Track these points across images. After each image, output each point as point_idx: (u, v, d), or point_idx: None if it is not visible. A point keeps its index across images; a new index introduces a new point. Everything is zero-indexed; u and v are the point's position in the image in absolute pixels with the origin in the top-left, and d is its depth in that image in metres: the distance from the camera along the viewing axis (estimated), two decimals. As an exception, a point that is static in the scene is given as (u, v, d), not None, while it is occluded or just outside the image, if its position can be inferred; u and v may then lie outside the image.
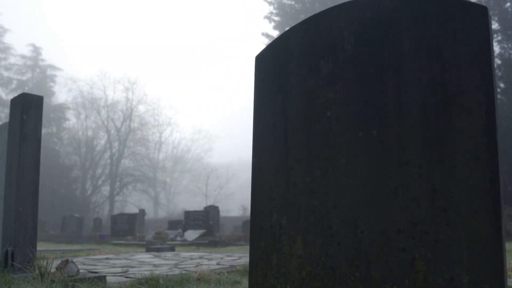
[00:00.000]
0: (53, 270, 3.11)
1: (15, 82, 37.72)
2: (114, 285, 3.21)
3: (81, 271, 3.36)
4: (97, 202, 36.68)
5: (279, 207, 1.83)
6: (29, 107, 3.75)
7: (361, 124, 1.64)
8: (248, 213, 31.64)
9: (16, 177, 3.60)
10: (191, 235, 13.77)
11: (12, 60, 38.26)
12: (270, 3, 26.01)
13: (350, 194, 1.63)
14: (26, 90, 32.75)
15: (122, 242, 12.87)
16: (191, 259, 5.94)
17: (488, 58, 1.43)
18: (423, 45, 1.55)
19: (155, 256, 6.50)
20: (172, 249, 8.38)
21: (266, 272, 1.85)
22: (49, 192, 26.95)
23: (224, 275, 3.57)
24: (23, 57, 38.30)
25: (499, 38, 19.02)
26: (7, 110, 34.96)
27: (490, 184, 1.37)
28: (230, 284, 3.19)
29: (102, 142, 38.99)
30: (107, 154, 38.53)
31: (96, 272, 3.98)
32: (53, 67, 39.16)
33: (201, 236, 13.69)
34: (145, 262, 5.42)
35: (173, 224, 17.49)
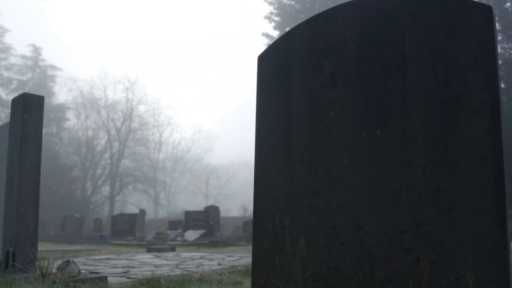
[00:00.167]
0: (54, 270, 3.10)
1: (15, 82, 37.72)
2: (116, 285, 3.20)
3: (82, 271, 3.35)
4: (97, 202, 36.67)
5: (282, 207, 1.83)
6: (30, 107, 3.74)
7: (365, 124, 1.64)
8: (249, 213, 31.64)
9: (17, 177, 3.59)
10: (192, 235, 13.76)
11: (13, 60, 38.28)
12: (270, 3, 26.01)
13: (354, 195, 1.63)
14: (26, 90, 32.74)
15: (123, 242, 12.86)
16: (192, 259, 5.93)
17: (493, 58, 1.43)
18: (427, 44, 1.54)
19: (156, 257, 6.49)
20: (172, 249, 8.38)
21: (269, 273, 1.84)
22: (49, 192, 26.95)
23: (225, 275, 3.56)
24: (23, 57, 38.32)
25: (499, 38, 19.03)
26: (7, 110, 34.96)
27: (494, 184, 1.36)
28: (231, 285, 3.18)
29: (102, 142, 39.00)
30: (107, 154, 38.53)
31: (97, 273, 3.97)
32: (53, 67, 39.17)
33: (202, 236, 13.68)
34: (146, 263, 5.42)
35: (173, 224, 17.48)
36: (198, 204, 36.41)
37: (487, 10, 1.46)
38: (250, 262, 5.07)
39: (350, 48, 1.71)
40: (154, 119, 42.94)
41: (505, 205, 1.34)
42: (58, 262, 3.30)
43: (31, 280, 2.85)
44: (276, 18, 25.89)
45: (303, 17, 23.97)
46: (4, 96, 37.08)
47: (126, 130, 39.57)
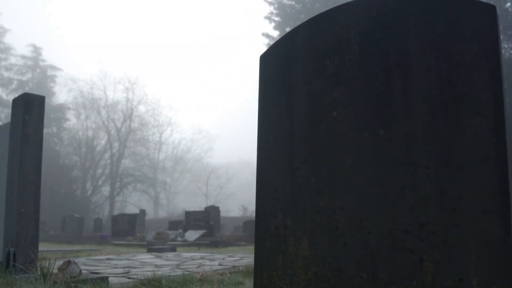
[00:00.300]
0: (55, 271, 3.09)
1: (15, 82, 37.72)
2: (117, 286, 3.20)
3: (83, 272, 3.35)
4: (97, 202, 36.66)
5: (285, 208, 1.82)
6: (31, 107, 3.74)
7: (368, 124, 1.63)
8: (249, 213, 31.64)
9: (18, 178, 3.58)
10: (192, 235, 13.76)
11: (13, 60, 38.28)
12: (270, 3, 26.00)
13: (357, 195, 1.62)
14: (27, 90, 32.73)
15: (123, 242, 12.86)
16: (193, 259, 5.93)
17: (497, 57, 1.42)
18: (430, 44, 1.53)
19: (157, 257, 6.49)
20: (173, 249, 8.37)
21: (272, 273, 1.83)
22: (49, 192, 26.95)
23: (226, 275, 3.56)
24: (23, 57, 38.31)
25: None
26: (7, 110, 34.96)
27: (499, 184, 1.36)
28: (233, 285, 3.18)
29: (103, 142, 38.98)
30: (107, 154, 38.52)
31: (98, 273, 3.97)
32: (53, 67, 39.16)
33: (202, 236, 13.68)
34: (146, 263, 5.41)
35: (173, 224, 17.48)
36: (198, 204, 36.42)
37: (491, 9, 1.46)
38: (251, 263, 5.07)
39: (353, 48, 1.71)
40: (154, 119, 42.95)
41: (509, 206, 1.34)
42: (59, 263, 3.30)
43: (32, 280, 2.85)
44: (276, 18, 25.87)
45: (303, 17, 23.97)
46: (4, 96, 37.08)
47: (126, 130, 39.56)
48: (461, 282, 1.38)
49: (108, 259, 6.09)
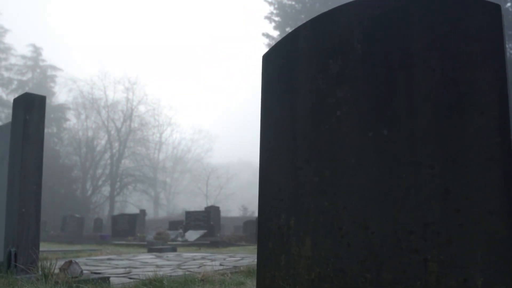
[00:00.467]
0: (56, 271, 3.09)
1: (15, 82, 37.71)
2: (118, 286, 3.19)
3: (84, 272, 3.34)
4: (98, 202, 36.67)
5: (288, 208, 1.82)
6: (32, 107, 3.73)
7: (371, 123, 1.62)
8: (249, 213, 31.64)
9: (19, 178, 3.58)
10: (192, 235, 13.75)
11: (13, 60, 38.28)
12: (270, 3, 26.00)
13: (360, 195, 1.61)
14: (27, 90, 32.70)
15: (123, 242, 12.85)
16: (194, 259, 5.92)
17: (502, 57, 1.41)
18: (434, 43, 1.53)
19: (157, 257, 6.48)
20: (174, 249, 8.36)
21: (274, 273, 1.83)
22: (50, 192, 26.94)
23: (228, 276, 3.55)
24: (23, 57, 38.31)
25: (500, 38, 18.96)
26: (7, 110, 34.95)
27: (504, 184, 1.35)
28: (234, 285, 3.17)
29: (103, 142, 38.98)
30: (107, 154, 38.52)
31: (99, 273, 3.96)
32: (53, 67, 39.17)
33: (202, 236, 13.67)
34: (147, 263, 5.40)
35: (174, 224, 17.47)
36: (198, 204, 36.41)
37: (495, 8, 1.45)
38: (252, 263, 5.07)
39: (356, 48, 1.70)
40: (154, 119, 42.94)
41: (514, 205, 1.33)
42: (60, 263, 3.29)
43: (34, 280, 2.84)
44: (276, 18, 25.87)
45: (303, 17, 23.97)
46: (4, 96, 37.08)
47: (126, 130, 39.56)
48: (465, 282, 1.37)
49: (108, 259, 6.08)
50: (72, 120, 38.84)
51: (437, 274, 1.42)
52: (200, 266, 4.79)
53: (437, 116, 1.48)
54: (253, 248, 9.88)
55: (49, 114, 33.24)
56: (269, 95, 1.99)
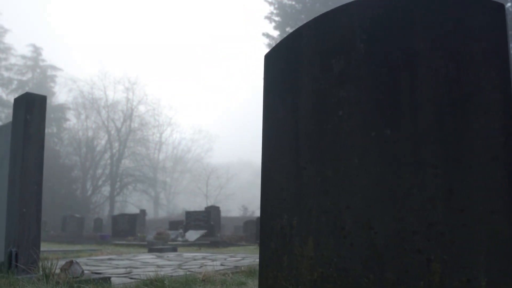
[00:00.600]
0: (57, 271, 3.08)
1: (15, 82, 37.71)
2: (119, 286, 3.19)
3: (85, 272, 3.34)
4: (98, 202, 36.65)
5: (290, 207, 1.81)
6: (32, 107, 3.73)
7: (374, 123, 1.62)
8: (249, 213, 31.63)
9: (20, 178, 3.57)
10: (193, 235, 13.74)
11: (13, 60, 38.27)
12: (270, 3, 25.99)
13: (363, 195, 1.61)
14: (27, 90, 32.67)
15: (123, 242, 12.85)
16: (194, 259, 5.92)
17: (505, 56, 1.41)
18: (438, 43, 1.52)
19: (158, 257, 6.48)
20: (174, 249, 8.36)
21: (277, 274, 1.82)
22: (50, 192, 26.92)
23: (229, 276, 3.55)
24: (23, 57, 38.30)
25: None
26: (7, 110, 34.95)
27: (508, 184, 1.34)
28: (236, 285, 3.17)
29: (103, 142, 38.97)
30: (107, 154, 38.51)
31: (100, 273, 3.95)
32: (53, 67, 39.16)
33: (202, 236, 13.67)
34: (148, 263, 5.40)
35: (174, 224, 17.47)
36: (198, 204, 36.41)
37: (499, 7, 1.45)
38: (253, 263, 5.06)
39: (359, 47, 1.70)
40: (154, 119, 42.93)
41: (518, 205, 1.32)
42: (61, 263, 3.29)
43: (35, 281, 2.84)
44: (277, 18, 25.86)
45: (303, 17, 23.96)
46: (4, 96, 37.07)
47: (126, 130, 39.55)
48: (469, 282, 1.37)
49: (109, 259, 6.08)
50: (72, 120, 38.85)
51: (440, 275, 1.42)
52: (201, 266, 4.79)
53: (440, 115, 1.48)
54: (254, 248, 9.87)
55: (49, 114, 33.22)
56: (271, 95, 1.98)
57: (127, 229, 17.07)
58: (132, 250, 8.93)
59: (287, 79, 1.92)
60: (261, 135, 1.99)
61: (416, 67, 1.55)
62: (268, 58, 2.03)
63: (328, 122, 1.75)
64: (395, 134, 1.57)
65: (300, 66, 1.87)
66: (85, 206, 32.99)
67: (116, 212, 32.36)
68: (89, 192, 36.28)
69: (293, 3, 25.48)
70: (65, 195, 31.23)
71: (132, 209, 34.30)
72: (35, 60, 38.43)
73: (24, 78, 38.09)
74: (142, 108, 41.45)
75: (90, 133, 38.37)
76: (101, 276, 3.34)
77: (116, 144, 38.89)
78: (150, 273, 3.30)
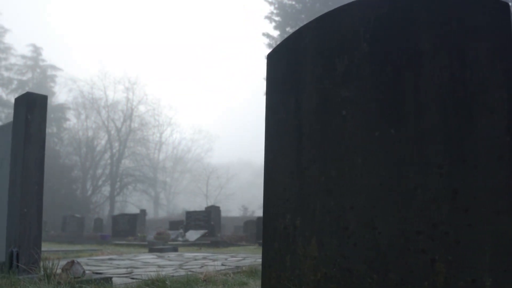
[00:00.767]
0: (58, 271, 3.07)
1: (15, 82, 37.70)
2: (121, 286, 3.18)
3: (86, 272, 3.33)
4: (98, 202, 36.64)
5: (293, 208, 1.80)
6: (33, 107, 3.72)
7: (378, 123, 1.61)
8: (249, 213, 31.62)
9: (21, 178, 3.56)
10: (193, 235, 13.74)
11: (13, 60, 38.26)
12: (270, 3, 25.98)
13: (367, 195, 1.60)
14: (27, 90, 32.68)
15: (124, 242, 12.84)
16: (195, 259, 5.91)
17: (510, 55, 1.40)
18: (442, 42, 1.51)
19: (159, 257, 6.47)
20: (175, 249, 8.35)
21: (280, 274, 1.82)
22: (50, 192, 26.90)
23: (230, 276, 3.54)
24: (23, 57, 38.29)
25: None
26: (7, 110, 34.95)
27: (513, 184, 1.34)
28: (237, 285, 3.16)
29: (103, 142, 38.96)
30: (107, 154, 38.49)
31: (101, 273, 3.95)
32: (53, 67, 39.14)
33: (203, 236, 13.66)
34: (149, 263, 5.39)
35: (174, 224, 17.46)
36: (198, 204, 36.41)
37: (504, 6, 1.44)
38: (254, 263, 5.05)
39: (363, 47, 1.69)
40: (154, 119, 42.91)
41: (523, 205, 1.32)
42: (62, 263, 3.28)
43: (36, 281, 2.83)
44: (277, 18, 25.85)
45: (303, 17, 23.95)
46: (4, 96, 37.06)
47: (126, 130, 39.54)
48: (474, 283, 1.36)
49: (110, 259, 6.07)
50: (72, 120, 38.84)
51: (445, 275, 1.41)
52: (202, 266, 4.78)
53: (445, 115, 1.47)
54: (254, 248, 9.87)
55: (49, 114, 33.15)
56: (274, 94, 1.98)
57: (127, 229, 17.06)
58: (133, 250, 8.93)
59: (289, 78, 1.91)
60: (264, 135, 1.98)
61: (420, 67, 1.55)
62: (271, 57, 2.02)
63: (331, 122, 1.74)
64: (399, 134, 1.56)
65: (302, 66, 1.87)
66: (85, 206, 32.98)
67: (116, 212, 32.36)
68: (89, 192, 36.27)
69: (293, 3, 25.47)
70: (65, 195, 31.22)
71: (132, 209, 34.29)
72: (35, 60, 38.42)
73: (24, 78, 38.08)
74: (142, 108, 41.45)
75: (90, 133, 38.38)
76: (102, 276, 3.34)
77: (116, 144, 38.89)
78: (152, 273, 3.29)
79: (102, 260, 5.92)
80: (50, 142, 33.15)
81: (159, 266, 4.91)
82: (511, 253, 1.32)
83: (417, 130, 1.52)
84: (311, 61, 1.84)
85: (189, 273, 3.81)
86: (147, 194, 41.40)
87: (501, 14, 1.43)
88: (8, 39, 38.39)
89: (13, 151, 3.77)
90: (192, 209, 27.05)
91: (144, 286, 3.05)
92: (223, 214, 21.97)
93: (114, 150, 38.63)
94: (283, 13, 25.56)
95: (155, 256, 6.63)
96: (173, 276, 3.51)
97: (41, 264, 3.24)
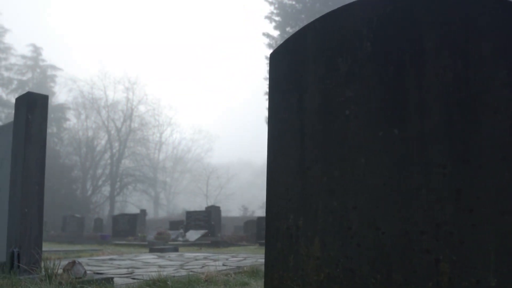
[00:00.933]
0: (60, 271, 3.07)
1: (15, 82, 37.70)
2: (122, 286, 3.17)
3: (87, 272, 3.32)
4: (98, 202, 36.65)
5: (296, 208, 1.80)
6: (34, 107, 3.71)
7: (381, 123, 1.61)
8: (249, 213, 31.63)
9: (21, 178, 3.56)
10: (193, 235, 13.73)
11: (13, 60, 38.27)
12: (270, 3, 25.98)
13: (370, 195, 1.60)
14: (27, 90, 32.66)
15: (124, 242, 12.84)
16: (196, 259, 5.90)
17: (514, 55, 1.39)
18: (446, 41, 1.51)
19: (159, 257, 6.46)
20: (175, 249, 8.35)
21: (283, 274, 1.81)
22: (50, 192, 26.88)
23: (231, 276, 3.54)
24: (23, 57, 38.29)
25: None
26: (7, 110, 34.95)
27: (517, 184, 1.33)
28: (239, 286, 3.15)
29: (103, 142, 38.97)
30: (107, 154, 38.50)
31: (102, 274, 3.94)
32: (53, 67, 39.14)
33: (203, 236, 13.66)
34: (150, 263, 5.39)
35: (174, 224, 17.46)
36: (198, 204, 36.42)
37: (508, 5, 1.43)
38: (256, 263, 5.04)
39: (366, 46, 1.68)
40: (154, 119, 42.93)
41: (528, 205, 1.31)
42: (63, 263, 3.27)
43: (37, 281, 2.82)
44: (277, 18, 25.85)
45: (303, 17, 23.95)
46: (4, 96, 37.06)
47: (126, 130, 39.54)
48: (478, 283, 1.36)
49: (110, 259, 6.07)
50: (72, 120, 38.85)
51: (449, 275, 1.40)
52: (203, 266, 4.78)
53: (449, 115, 1.47)
54: (254, 248, 9.86)
55: (49, 114, 33.06)
56: (277, 94, 1.97)
57: (128, 229, 17.05)
58: (133, 250, 8.92)
59: (292, 78, 1.91)
60: (265, 135, 1.98)
61: (423, 66, 1.54)
62: (273, 57, 2.02)
63: (334, 121, 1.73)
64: (402, 133, 1.56)
65: (305, 66, 1.86)
66: (85, 206, 32.97)
67: (116, 212, 32.35)
68: (89, 192, 36.27)
69: (293, 3, 25.47)
70: (65, 195, 31.22)
71: (132, 209, 34.28)
72: (35, 60, 38.42)
73: (24, 78, 38.08)
74: (142, 108, 41.45)
75: (90, 133, 38.39)
76: (104, 276, 3.33)
77: (116, 144, 38.89)
78: (153, 274, 3.28)
79: (103, 260, 5.91)
80: (50, 142, 33.14)
81: (160, 266, 4.90)
82: (516, 254, 1.31)
83: (421, 130, 1.51)
84: (314, 60, 1.83)
85: (190, 273, 3.81)
86: (147, 194, 41.41)
87: (505, 14, 1.43)
88: (8, 39, 38.40)
89: (13, 151, 3.76)
90: (192, 209, 27.06)
91: (146, 287, 3.05)
92: (223, 214, 21.96)
93: (114, 150, 38.64)
94: (283, 13, 25.56)
95: (155, 256, 6.62)
96: (174, 276, 3.50)
97: (42, 264, 3.24)
